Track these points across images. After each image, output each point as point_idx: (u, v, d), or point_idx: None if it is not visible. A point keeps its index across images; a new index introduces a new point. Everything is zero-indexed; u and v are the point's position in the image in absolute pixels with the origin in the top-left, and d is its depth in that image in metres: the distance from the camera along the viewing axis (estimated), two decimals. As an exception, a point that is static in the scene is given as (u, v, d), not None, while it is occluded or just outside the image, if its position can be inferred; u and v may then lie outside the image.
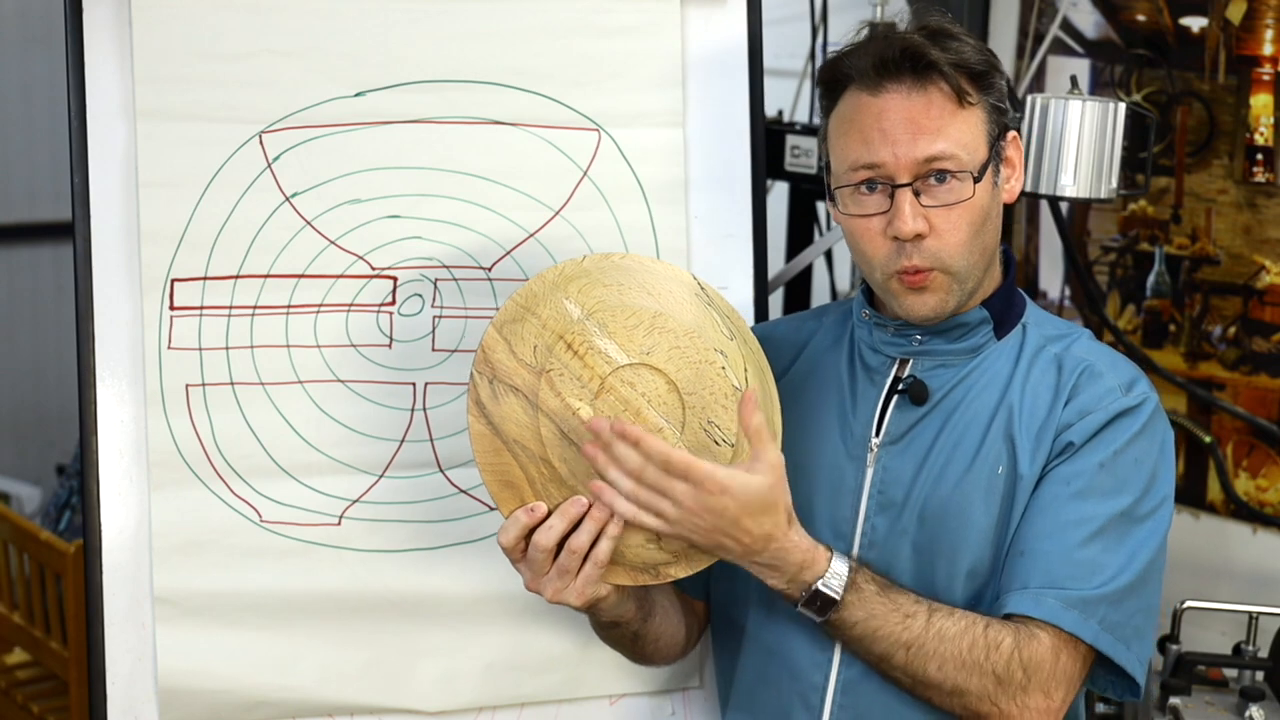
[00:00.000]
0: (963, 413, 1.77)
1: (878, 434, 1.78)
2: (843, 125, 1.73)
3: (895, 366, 1.80)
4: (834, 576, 1.65)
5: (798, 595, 1.66)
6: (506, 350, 1.69)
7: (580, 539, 1.66)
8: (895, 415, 1.78)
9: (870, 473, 1.78)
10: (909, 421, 1.78)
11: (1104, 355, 1.80)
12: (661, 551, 1.72)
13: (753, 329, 1.95)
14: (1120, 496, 1.70)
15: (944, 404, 1.77)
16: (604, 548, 1.66)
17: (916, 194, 1.68)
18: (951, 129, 1.68)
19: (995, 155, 1.73)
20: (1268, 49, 2.54)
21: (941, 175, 1.68)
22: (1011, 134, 1.76)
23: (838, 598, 1.65)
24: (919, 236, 1.68)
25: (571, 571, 1.67)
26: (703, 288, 1.78)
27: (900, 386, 1.78)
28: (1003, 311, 1.79)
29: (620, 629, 1.83)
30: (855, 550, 1.76)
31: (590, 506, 1.66)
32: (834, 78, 1.75)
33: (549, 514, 1.67)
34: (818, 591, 1.65)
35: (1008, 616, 1.69)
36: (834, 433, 1.81)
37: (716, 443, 1.68)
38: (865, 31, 1.76)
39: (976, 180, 1.68)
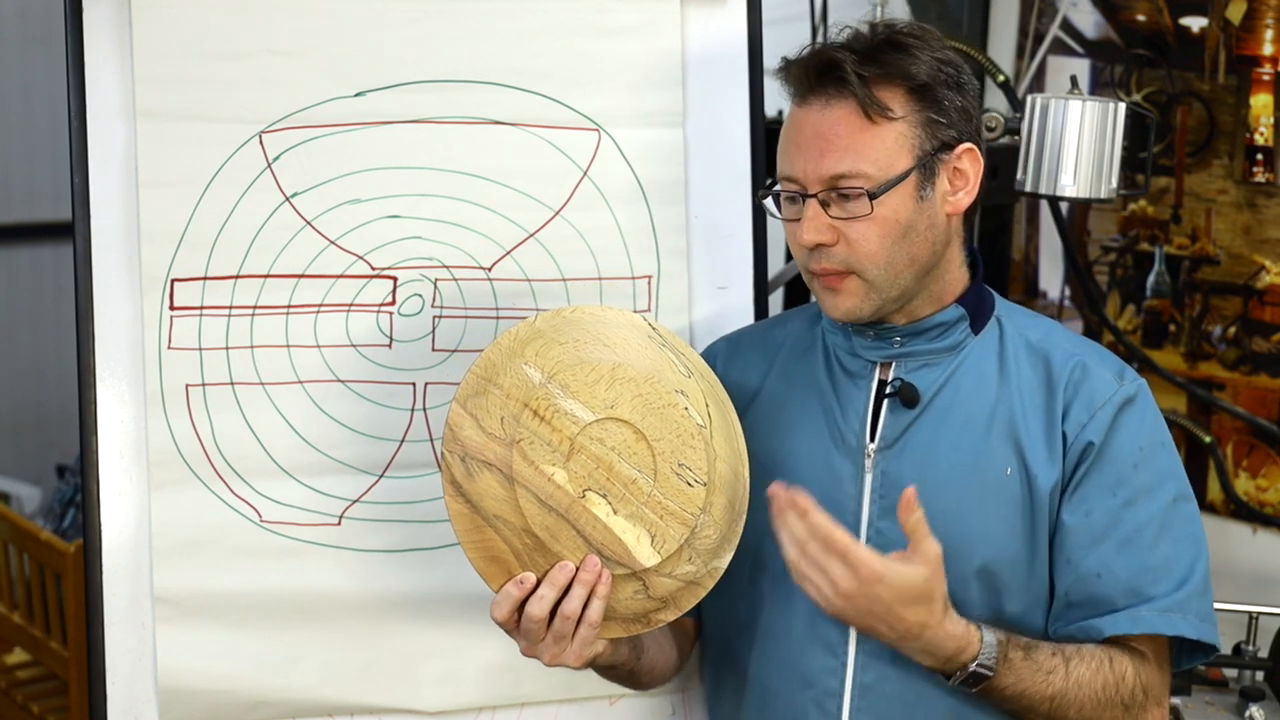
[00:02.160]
0: (956, 412, 1.77)
1: (872, 439, 1.79)
2: (782, 134, 1.77)
3: (877, 369, 1.81)
4: (987, 655, 1.67)
5: (951, 674, 1.68)
6: (474, 426, 1.70)
7: (572, 604, 1.68)
8: (888, 419, 1.78)
9: (869, 478, 1.78)
10: (902, 425, 1.78)
11: (1086, 346, 1.82)
12: (651, 600, 1.73)
13: (718, 342, 1.97)
14: (1163, 487, 1.75)
15: (935, 404, 1.78)
16: (596, 609, 1.68)
17: (825, 204, 1.71)
18: (859, 145, 1.70)
19: (927, 169, 1.72)
20: (1268, 49, 2.54)
21: (845, 192, 1.70)
22: (964, 147, 1.74)
23: (992, 674, 1.67)
24: (821, 245, 1.72)
25: (567, 636, 1.69)
26: (654, 328, 1.80)
27: (889, 390, 1.79)
28: (976, 307, 1.81)
29: (616, 670, 1.85)
30: None
31: (577, 570, 1.68)
32: (785, 84, 1.78)
33: (538, 583, 1.69)
34: (974, 673, 1.67)
35: (1107, 640, 1.74)
36: (822, 438, 1.81)
37: (689, 484, 1.70)
38: (846, 33, 1.77)
39: (873, 197, 1.69)
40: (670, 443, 1.70)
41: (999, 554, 1.74)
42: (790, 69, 1.75)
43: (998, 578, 1.75)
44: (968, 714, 1.75)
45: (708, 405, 1.74)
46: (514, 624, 1.70)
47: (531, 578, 1.68)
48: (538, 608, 1.68)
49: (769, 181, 1.85)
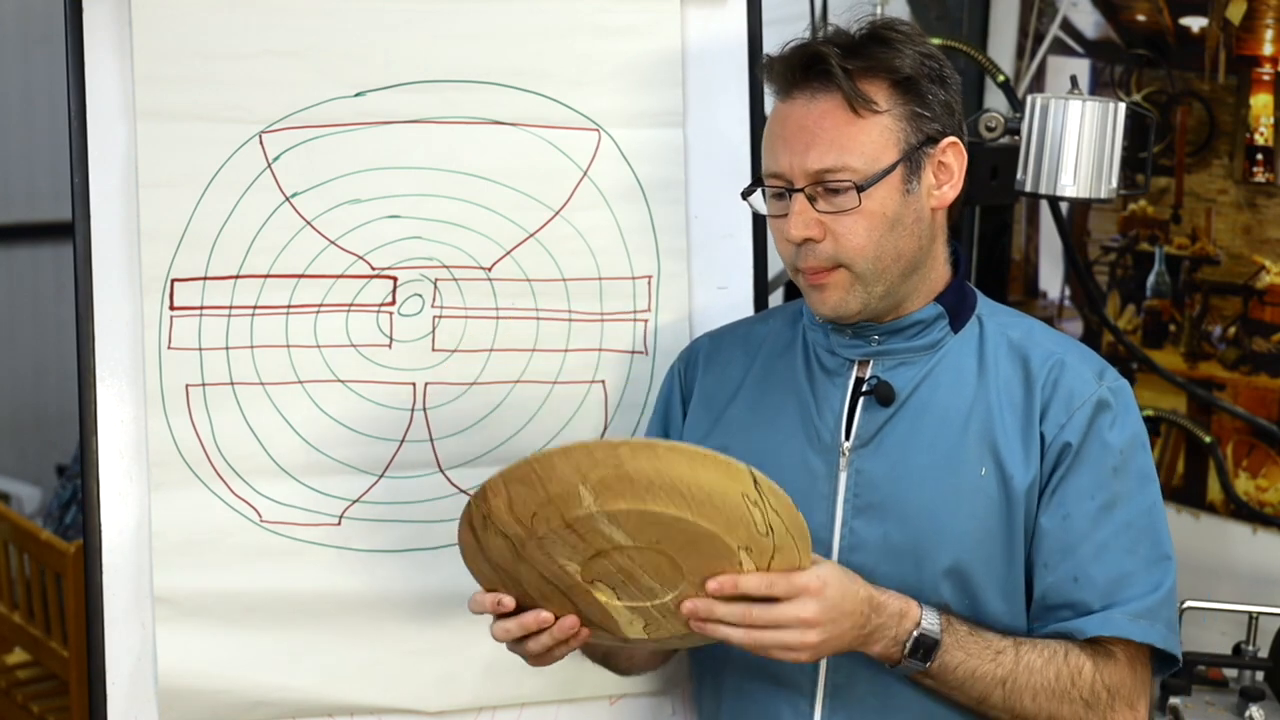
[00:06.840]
0: (932, 411, 1.77)
1: (847, 437, 1.78)
2: (766, 130, 1.77)
3: (855, 367, 1.81)
4: (929, 621, 1.67)
5: (901, 646, 1.67)
6: (506, 503, 1.58)
7: (540, 643, 1.67)
8: (864, 417, 1.78)
9: (844, 476, 1.78)
10: (878, 423, 1.78)
11: (1067, 344, 1.82)
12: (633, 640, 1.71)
13: (701, 338, 1.95)
14: (1143, 491, 1.75)
15: (911, 402, 1.78)
16: (564, 651, 1.69)
17: (812, 199, 1.71)
18: (845, 139, 1.70)
19: (913, 162, 1.73)
20: (1268, 49, 2.54)
21: (832, 186, 1.70)
22: (949, 141, 1.75)
23: (939, 638, 1.67)
24: (809, 240, 1.72)
25: (533, 655, 1.70)
26: (757, 483, 1.54)
27: (865, 388, 1.78)
28: (956, 305, 1.81)
29: (591, 650, 1.84)
30: (835, 554, 1.76)
31: (555, 621, 1.66)
32: (768, 81, 1.78)
33: (514, 611, 1.66)
34: (920, 636, 1.67)
35: (1085, 642, 1.73)
36: (797, 436, 1.81)
37: None
38: (830, 29, 1.77)
39: (861, 190, 1.69)
40: (703, 570, 1.59)
41: (972, 554, 1.74)
42: (774, 65, 1.75)
43: (971, 578, 1.74)
44: (939, 713, 1.75)
45: (773, 557, 1.58)
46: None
47: (511, 603, 1.66)
48: (502, 635, 1.68)
49: (755, 179, 1.84)
